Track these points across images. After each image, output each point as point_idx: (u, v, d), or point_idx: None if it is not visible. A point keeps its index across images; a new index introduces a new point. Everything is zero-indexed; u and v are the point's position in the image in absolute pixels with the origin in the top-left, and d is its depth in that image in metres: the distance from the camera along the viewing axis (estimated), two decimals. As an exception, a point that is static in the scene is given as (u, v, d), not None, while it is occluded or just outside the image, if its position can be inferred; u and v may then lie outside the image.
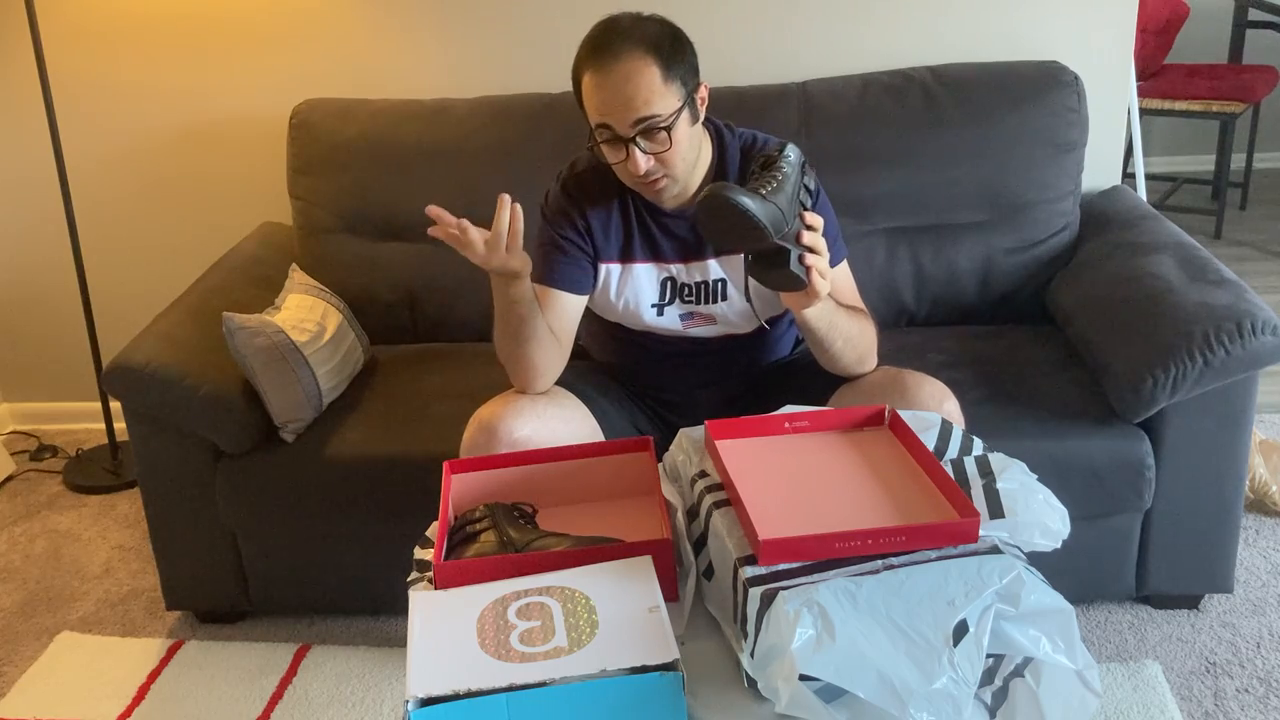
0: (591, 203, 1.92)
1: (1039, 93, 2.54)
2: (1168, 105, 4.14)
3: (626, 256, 1.94)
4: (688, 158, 1.84)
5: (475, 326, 2.66)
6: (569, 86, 2.67)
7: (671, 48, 1.77)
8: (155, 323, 2.38)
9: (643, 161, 1.77)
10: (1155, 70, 4.28)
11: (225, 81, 2.91)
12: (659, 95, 1.74)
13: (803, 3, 2.71)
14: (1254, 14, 4.51)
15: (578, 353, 2.21)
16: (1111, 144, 2.77)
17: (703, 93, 1.85)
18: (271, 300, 2.47)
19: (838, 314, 1.79)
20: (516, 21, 2.78)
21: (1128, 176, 3.49)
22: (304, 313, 2.39)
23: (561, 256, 1.91)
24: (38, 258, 3.16)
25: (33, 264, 3.18)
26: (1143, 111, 4.01)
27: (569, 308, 1.92)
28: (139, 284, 3.11)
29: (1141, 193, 3.28)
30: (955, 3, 2.68)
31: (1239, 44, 4.56)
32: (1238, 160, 4.66)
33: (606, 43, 1.76)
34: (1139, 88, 3.96)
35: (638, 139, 1.76)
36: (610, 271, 1.95)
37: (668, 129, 1.76)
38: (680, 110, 1.77)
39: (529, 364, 1.85)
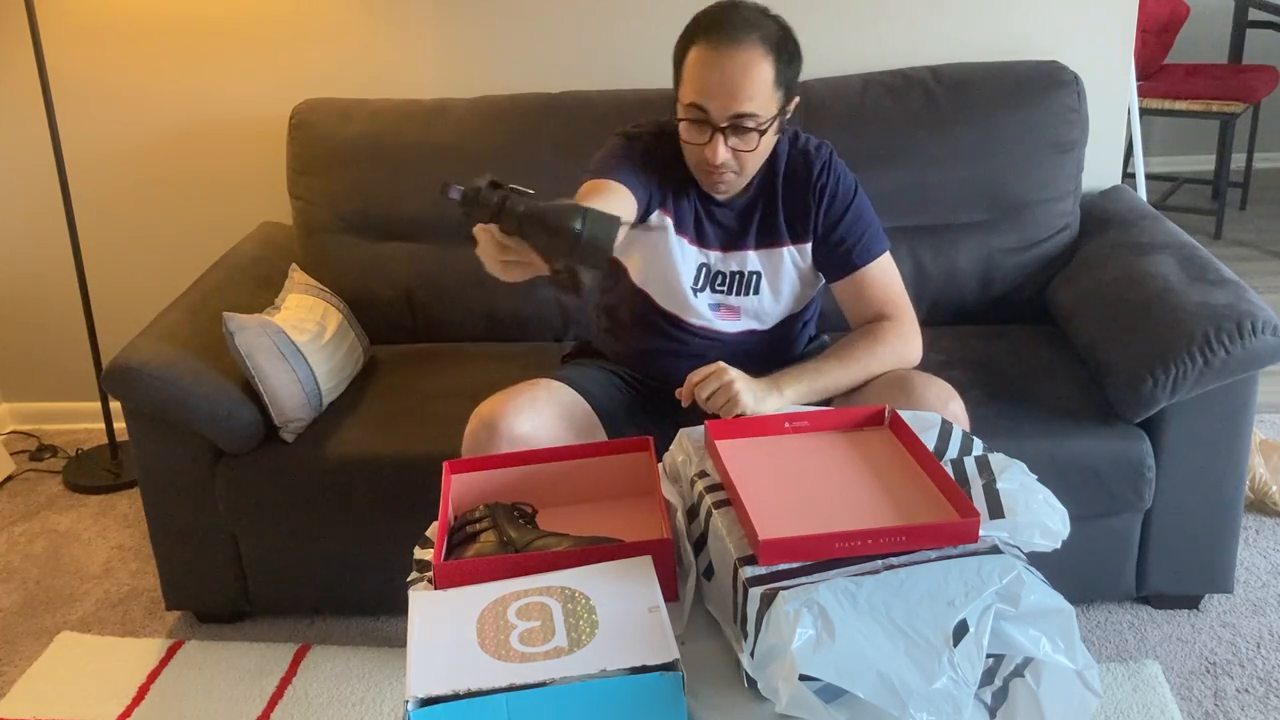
0: (665, 162, 1.90)
1: (1039, 92, 2.54)
2: (1168, 105, 4.14)
3: (677, 229, 1.94)
4: (760, 162, 1.84)
5: (475, 326, 2.67)
6: (569, 86, 2.71)
7: (790, 53, 1.77)
8: (155, 323, 2.38)
9: (722, 153, 1.75)
10: (1155, 70, 4.29)
11: (225, 81, 2.91)
12: (764, 96, 1.73)
13: (803, 3, 2.71)
14: (1254, 14, 4.51)
15: (583, 351, 2.21)
16: (1111, 144, 2.77)
17: (794, 105, 1.84)
18: (271, 300, 2.48)
19: (824, 378, 1.83)
20: (516, 21, 2.78)
21: (1128, 176, 3.49)
22: (304, 313, 2.39)
23: (632, 167, 1.85)
24: (38, 257, 3.16)
25: (33, 264, 3.18)
26: (1143, 111, 4.01)
27: (621, 196, 1.80)
28: (139, 284, 3.11)
29: (1141, 193, 3.28)
30: (955, 3, 2.68)
31: (1239, 44, 4.56)
32: (1238, 160, 4.66)
33: (729, 25, 1.72)
34: (1139, 88, 3.96)
35: (727, 130, 1.74)
36: (666, 222, 1.92)
37: (760, 131, 1.75)
38: (776, 117, 1.77)
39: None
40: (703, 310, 1.97)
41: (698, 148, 1.78)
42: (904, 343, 1.91)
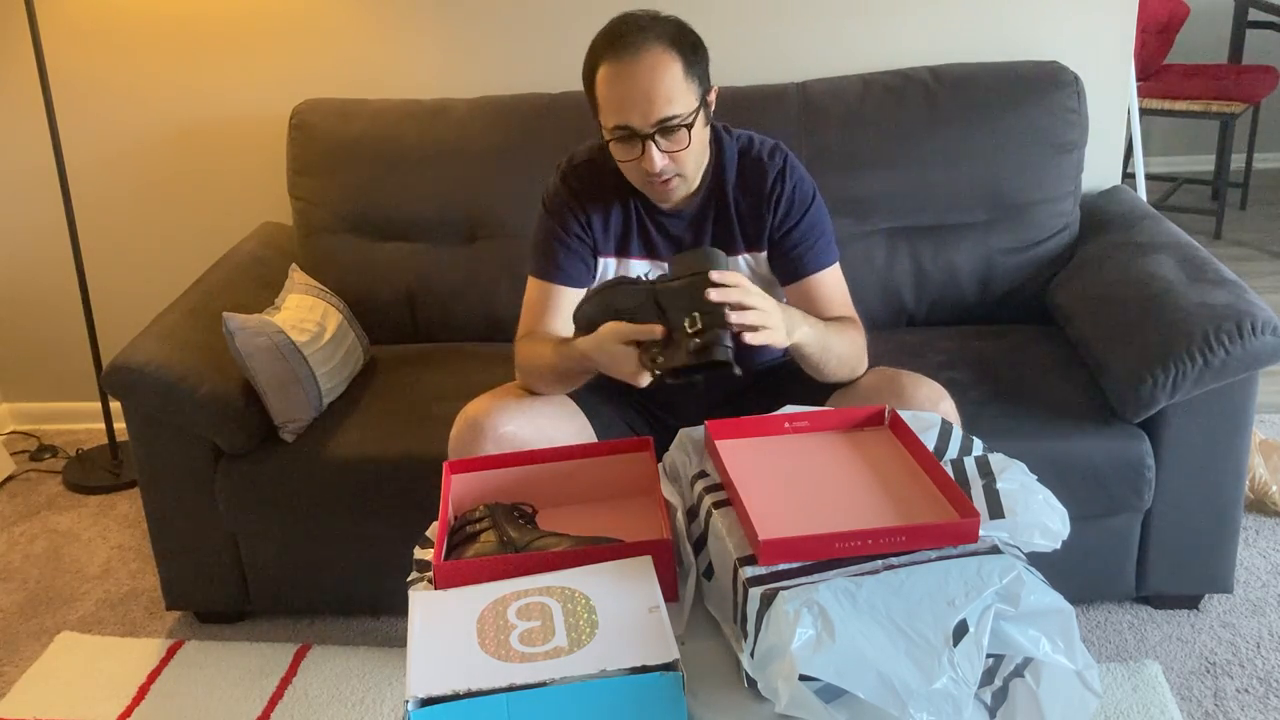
0: (591, 196, 1.92)
1: (1039, 93, 2.54)
2: (1168, 105, 4.14)
3: (623, 251, 1.94)
4: (700, 158, 1.84)
5: (475, 326, 2.66)
6: (569, 86, 2.70)
7: (691, 46, 1.77)
8: (155, 323, 2.38)
9: (659, 159, 1.76)
10: (1155, 70, 4.28)
11: (225, 81, 2.91)
12: (681, 93, 1.73)
13: (803, 3, 2.71)
14: (1254, 14, 4.51)
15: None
16: (1111, 144, 2.77)
17: (713, 95, 1.85)
18: (271, 300, 2.48)
19: (829, 335, 1.80)
20: (516, 21, 2.78)
21: (1128, 176, 3.49)
22: (304, 313, 2.39)
23: (565, 251, 1.91)
24: (38, 258, 3.16)
25: (33, 264, 3.18)
26: (1143, 111, 4.01)
27: (573, 303, 1.90)
28: (139, 284, 3.11)
29: (1141, 193, 3.28)
30: (955, 3, 2.68)
31: (1239, 44, 4.56)
32: (1238, 160, 4.66)
33: (627, 36, 1.73)
34: (1139, 88, 3.96)
35: (656, 137, 1.75)
36: (607, 266, 1.95)
37: (688, 127, 1.75)
38: (698, 109, 1.77)
39: (558, 393, 1.90)
40: None
41: (634, 164, 1.79)
42: (863, 340, 1.90)
